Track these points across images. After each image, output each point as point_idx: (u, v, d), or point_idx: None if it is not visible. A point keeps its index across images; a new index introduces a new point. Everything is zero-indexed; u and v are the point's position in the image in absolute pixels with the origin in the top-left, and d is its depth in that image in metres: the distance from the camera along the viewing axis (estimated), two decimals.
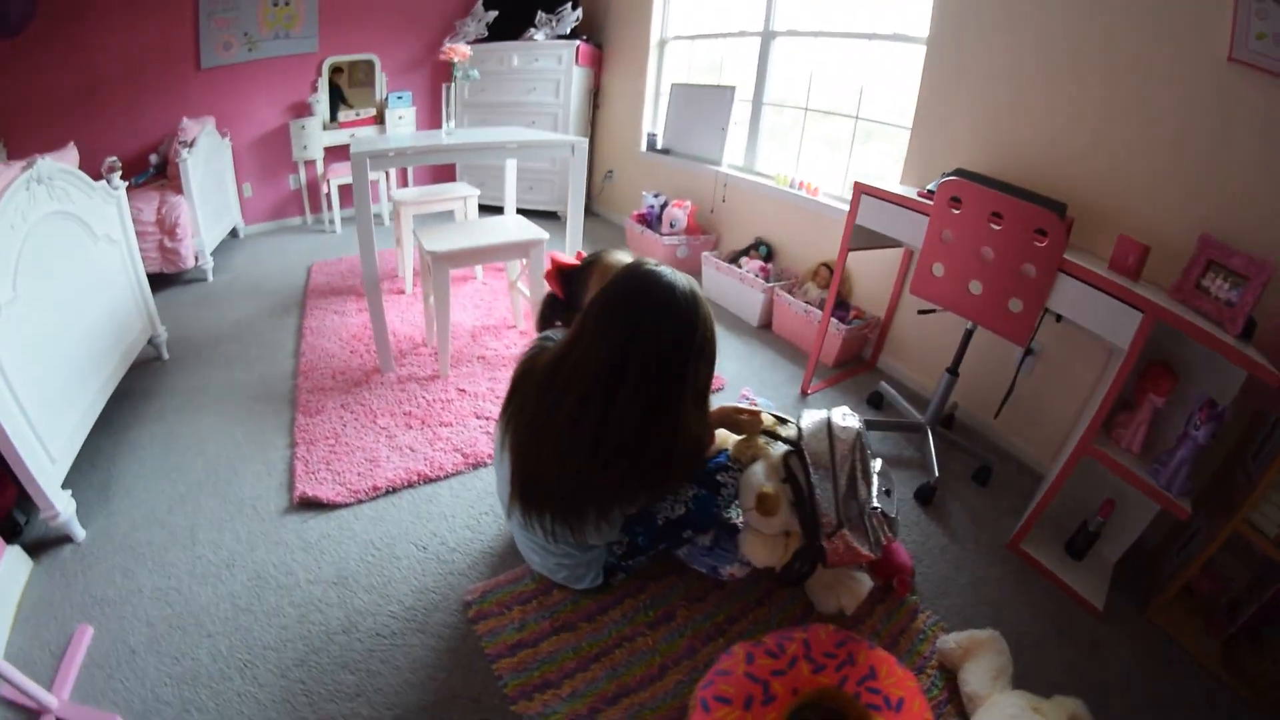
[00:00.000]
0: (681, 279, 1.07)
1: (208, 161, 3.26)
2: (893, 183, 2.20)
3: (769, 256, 3.07)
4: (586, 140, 2.42)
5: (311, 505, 1.63)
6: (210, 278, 3.29)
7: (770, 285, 2.76)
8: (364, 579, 1.41)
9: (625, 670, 1.23)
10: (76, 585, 1.38)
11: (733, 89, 3.18)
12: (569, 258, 1.50)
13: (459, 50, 2.29)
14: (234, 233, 4.00)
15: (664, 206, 3.44)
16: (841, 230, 2.05)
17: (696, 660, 1.25)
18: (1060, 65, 1.78)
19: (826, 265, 2.73)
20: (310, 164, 4.03)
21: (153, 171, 3.42)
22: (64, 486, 1.49)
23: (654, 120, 3.84)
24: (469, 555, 1.49)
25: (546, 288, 2.03)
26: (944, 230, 1.70)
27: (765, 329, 2.82)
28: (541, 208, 4.24)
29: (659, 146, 3.72)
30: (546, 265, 1.56)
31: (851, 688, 1.09)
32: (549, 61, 3.81)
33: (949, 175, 1.78)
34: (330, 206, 4.01)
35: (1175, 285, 1.42)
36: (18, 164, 1.50)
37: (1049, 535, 1.66)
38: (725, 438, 1.39)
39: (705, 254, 3.15)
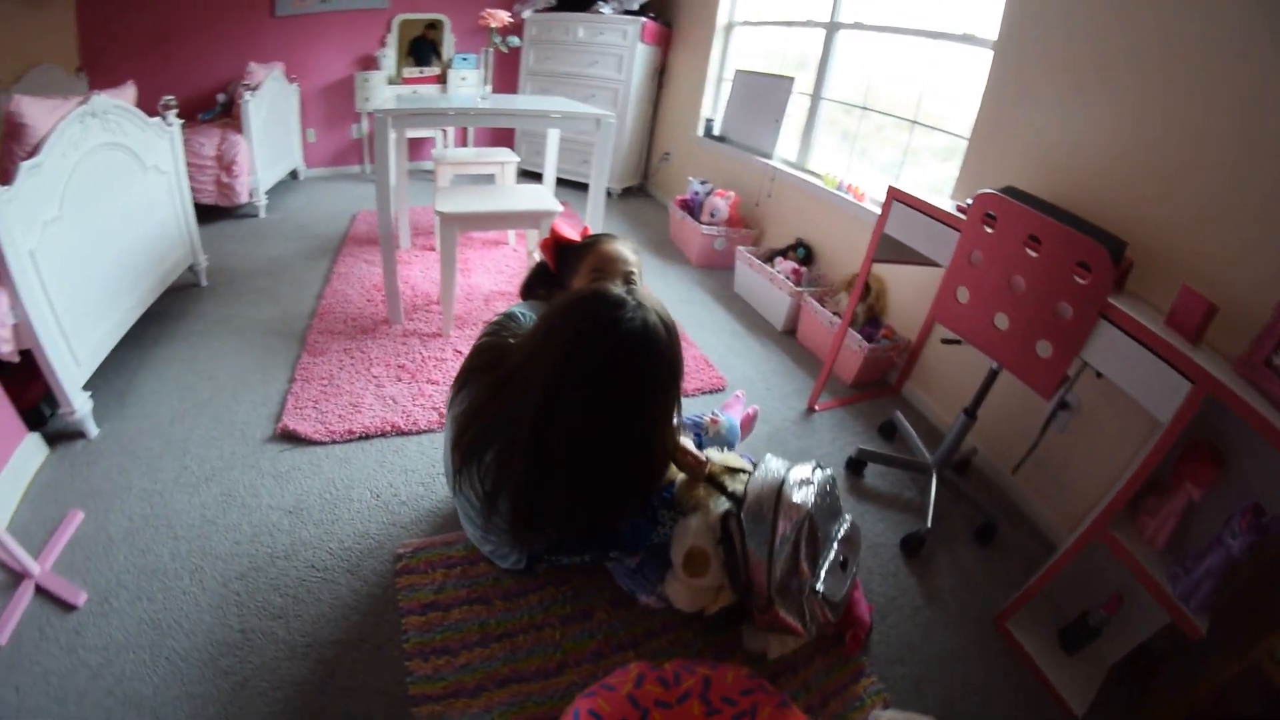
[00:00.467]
0: (640, 322, 1.01)
1: (271, 105, 3.58)
2: (944, 196, 2.08)
3: (807, 260, 3.06)
4: (613, 116, 2.45)
5: (291, 438, 1.81)
6: (262, 214, 3.62)
7: (800, 290, 2.74)
8: (316, 514, 1.57)
9: (525, 657, 1.27)
10: (79, 475, 1.63)
11: (791, 80, 3.16)
12: (573, 232, 1.52)
13: (497, 16, 2.42)
14: (294, 174, 4.36)
15: (708, 194, 3.49)
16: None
17: (599, 666, 1.26)
18: (1139, 83, 1.62)
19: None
20: (372, 115, 4.32)
21: (219, 110, 3.79)
22: (85, 388, 1.75)
23: (714, 105, 3.88)
24: (416, 511, 1.61)
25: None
26: (974, 250, 1.58)
27: (789, 335, 2.80)
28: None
29: (715, 133, 3.75)
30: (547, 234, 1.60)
31: None
32: (613, 36, 3.90)
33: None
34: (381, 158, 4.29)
35: (1242, 358, 1.21)
36: (75, 99, 1.75)
37: (1043, 618, 1.53)
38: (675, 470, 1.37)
39: (740, 248, 3.18)
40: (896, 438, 2.17)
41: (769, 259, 3.07)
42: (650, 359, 1.01)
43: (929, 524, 1.71)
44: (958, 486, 1.92)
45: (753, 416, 1.80)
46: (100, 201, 1.88)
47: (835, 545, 1.23)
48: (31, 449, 1.63)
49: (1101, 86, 1.73)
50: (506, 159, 3.20)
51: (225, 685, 1.17)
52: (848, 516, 1.33)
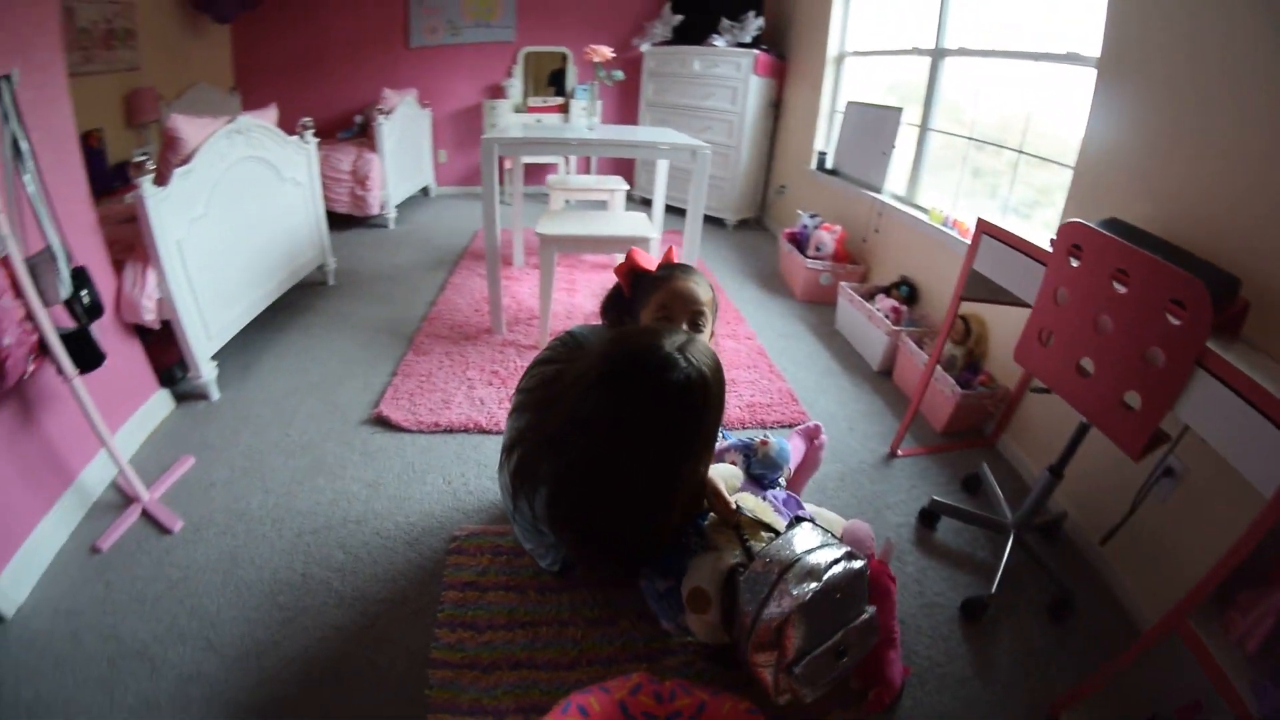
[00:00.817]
0: (684, 379, 1.03)
1: (403, 128, 4.10)
2: (1050, 231, 1.94)
3: (910, 298, 2.97)
4: (708, 148, 2.53)
5: (383, 423, 2.07)
6: (391, 225, 4.13)
7: (897, 329, 2.63)
8: (391, 490, 1.78)
9: (542, 647, 1.34)
10: (196, 429, 1.99)
11: (899, 111, 3.13)
12: (650, 261, 1.52)
13: (600, 51, 2.65)
14: (425, 191, 4.92)
15: (815, 228, 3.50)
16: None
17: (610, 670, 1.29)
18: (1260, 103, 1.44)
19: (965, 319, 2.57)
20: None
21: (356, 130, 4.40)
22: (212, 359, 2.14)
23: (828, 138, 3.90)
24: (480, 501, 1.76)
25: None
26: (1059, 287, 1.48)
27: (885, 376, 2.69)
28: (710, 213, 4.47)
29: (828, 166, 3.77)
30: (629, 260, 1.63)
31: None
32: (727, 68, 4.07)
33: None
34: (509, 181, 4.72)
35: None
36: (224, 118, 2.17)
37: (1107, 714, 1.32)
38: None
39: (842, 284, 3.14)
40: (980, 492, 2.01)
41: (871, 296, 3.01)
42: (689, 414, 1.05)
43: (994, 588, 1.57)
44: (1038, 552, 1.73)
45: (817, 444, 1.72)
46: (241, 205, 2.31)
47: (840, 634, 1.15)
48: (160, 402, 2.03)
49: (1217, 105, 1.54)
50: (616, 186, 3.41)
51: (278, 617, 1.37)
52: (869, 609, 1.22)
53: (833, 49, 3.75)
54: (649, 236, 2.49)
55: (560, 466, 1.12)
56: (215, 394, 2.15)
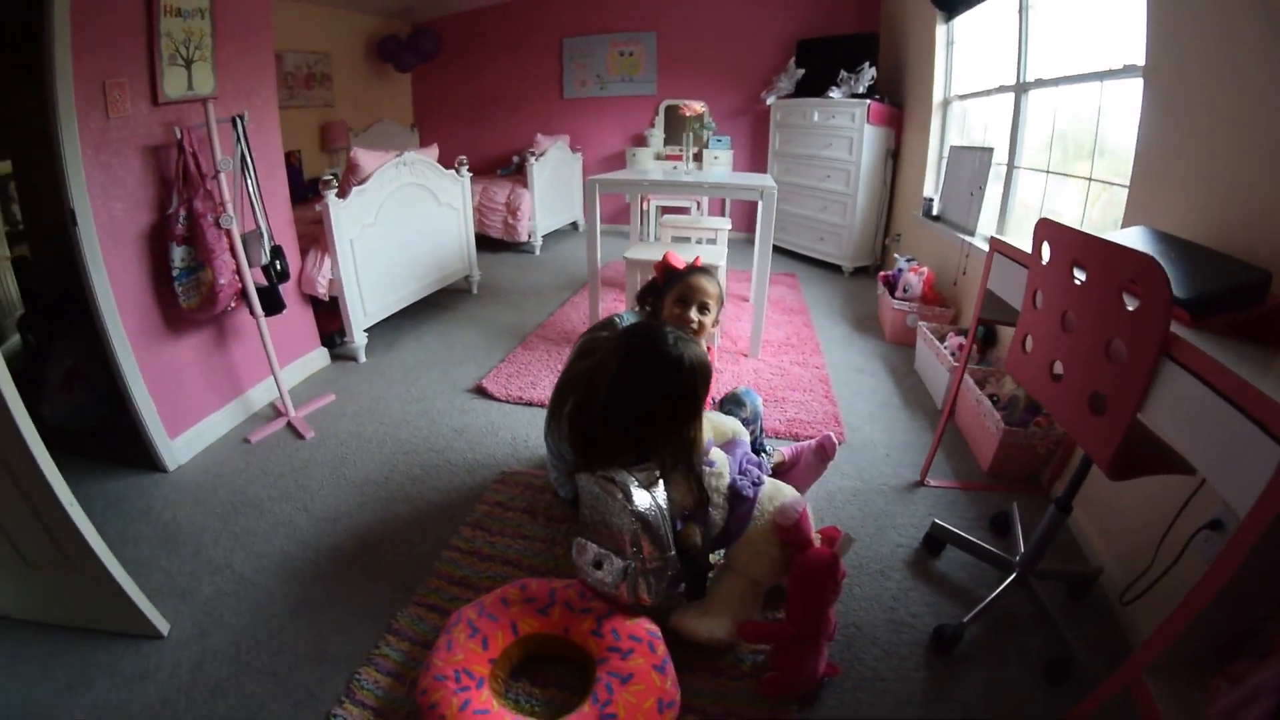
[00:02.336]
0: (673, 352, 1.34)
1: (554, 168, 4.81)
2: None
3: (988, 340, 2.91)
4: (775, 187, 2.71)
5: (481, 392, 2.55)
6: (536, 252, 4.83)
7: (954, 366, 2.52)
8: (470, 437, 2.22)
9: (532, 556, 1.61)
10: (341, 379, 2.63)
11: (990, 151, 3.11)
12: (680, 262, 1.90)
13: (692, 106, 3.04)
14: (575, 225, 5.63)
15: (907, 271, 3.54)
16: None
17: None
18: None
19: None
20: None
21: (513, 168, 5.21)
22: (365, 331, 2.80)
23: (936, 185, 3.90)
24: (533, 455, 2.11)
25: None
26: (1036, 289, 1.45)
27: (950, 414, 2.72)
28: (828, 259, 4.54)
29: (934, 213, 3.79)
30: (665, 259, 1.96)
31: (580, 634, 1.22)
32: (843, 119, 4.22)
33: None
34: (645, 221, 5.25)
35: None
36: (394, 153, 2.88)
37: None
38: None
39: (920, 324, 3.13)
40: (1009, 533, 1.83)
41: (942, 337, 3.00)
42: (675, 378, 1.35)
43: (968, 618, 1.46)
44: (1046, 601, 1.53)
45: (825, 445, 1.77)
46: (403, 220, 3.01)
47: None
48: (320, 356, 2.73)
49: (1255, 107, 1.41)
50: (719, 226, 3.72)
51: (358, 500, 1.85)
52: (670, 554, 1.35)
53: (938, 94, 3.76)
54: (718, 265, 2.74)
55: (584, 397, 1.47)
56: (362, 357, 2.82)
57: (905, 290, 3.40)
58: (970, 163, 3.34)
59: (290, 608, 1.47)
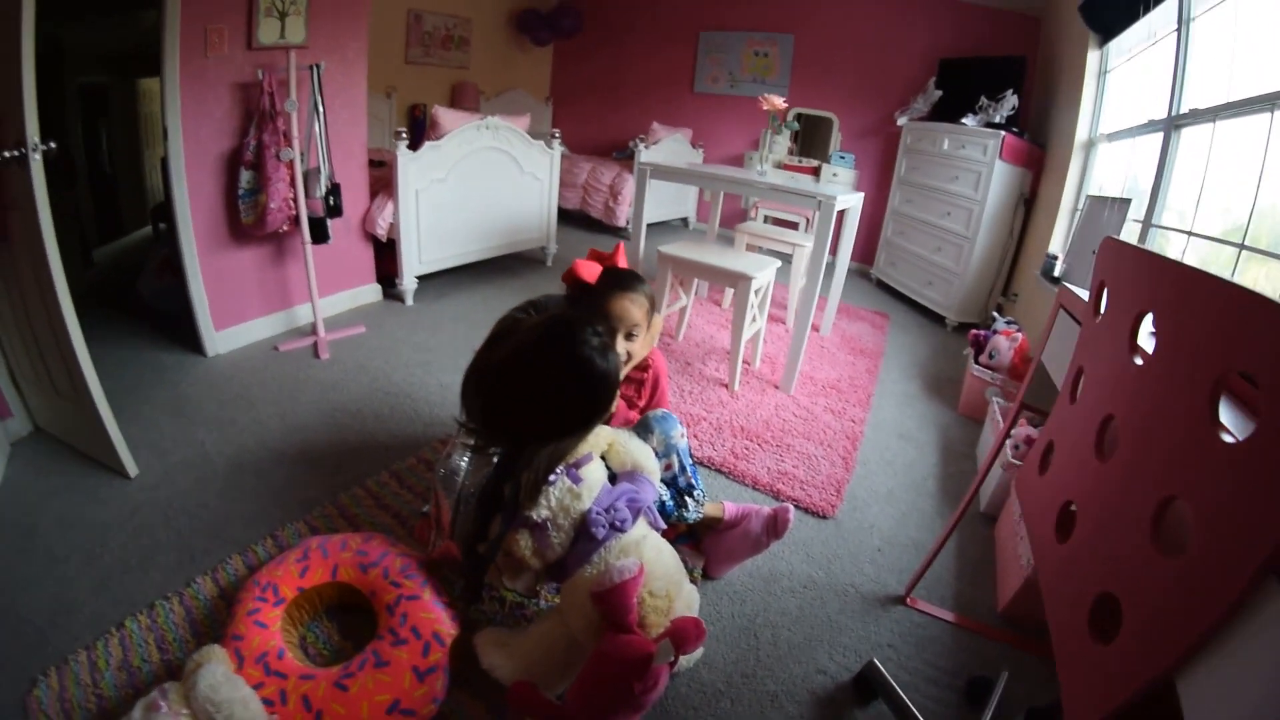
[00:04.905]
0: (586, 355, 1.18)
1: (666, 159, 4.86)
2: None
3: None
4: (835, 198, 2.47)
5: None
6: (630, 237, 4.97)
7: (1013, 464, 2.03)
8: (452, 394, 2.32)
9: (408, 525, 1.67)
10: (383, 316, 2.92)
11: (1127, 202, 2.70)
12: (591, 272, 1.59)
13: (772, 101, 2.95)
14: (685, 222, 5.70)
15: (997, 332, 3.21)
16: None
17: None
18: None
19: None
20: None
21: (628, 152, 5.33)
22: (417, 277, 3.09)
23: (1065, 240, 3.48)
24: None
25: (749, 319, 2.57)
26: (1081, 367, 1.02)
27: (989, 521, 2.07)
28: (932, 306, 4.13)
29: (1055, 273, 3.39)
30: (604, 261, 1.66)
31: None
32: (974, 150, 3.83)
33: None
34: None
35: None
36: (479, 115, 3.12)
37: None
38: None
39: (995, 400, 2.78)
40: (984, 702, 1.35)
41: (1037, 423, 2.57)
42: (581, 381, 1.19)
43: None
44: None
45: (779, 519, 1.54)
46: (478, 180, 3.24)
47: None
48: (372, 292, 3.05)
49: None
50: (799, 241, 3.62)
51: (323, 420, 2.06)
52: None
53: (1082, 131, 3.28)
54: (749, 276, 2.55)
55: (494, 381, 1.29)
56: (410, 300, 3.10)
57: (992, 355, 3.05)
58: (1103, 217, 2.94)
59: (222, 490, 1.70)
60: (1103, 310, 0.94)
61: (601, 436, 1.30)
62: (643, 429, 1.47)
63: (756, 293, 2.61)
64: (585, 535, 1.15)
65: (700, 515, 1.50)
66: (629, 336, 1.54)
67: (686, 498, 1.48)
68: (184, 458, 1.83)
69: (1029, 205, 3.94)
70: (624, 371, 1.58)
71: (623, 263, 1.64)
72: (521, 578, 1.27)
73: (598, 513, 1.16)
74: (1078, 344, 1.05)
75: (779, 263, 3.03)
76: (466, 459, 1.31)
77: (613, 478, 1.29)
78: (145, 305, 2.73)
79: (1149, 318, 0.78)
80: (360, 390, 2.28)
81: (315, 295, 2.54)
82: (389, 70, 4.83)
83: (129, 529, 1.54)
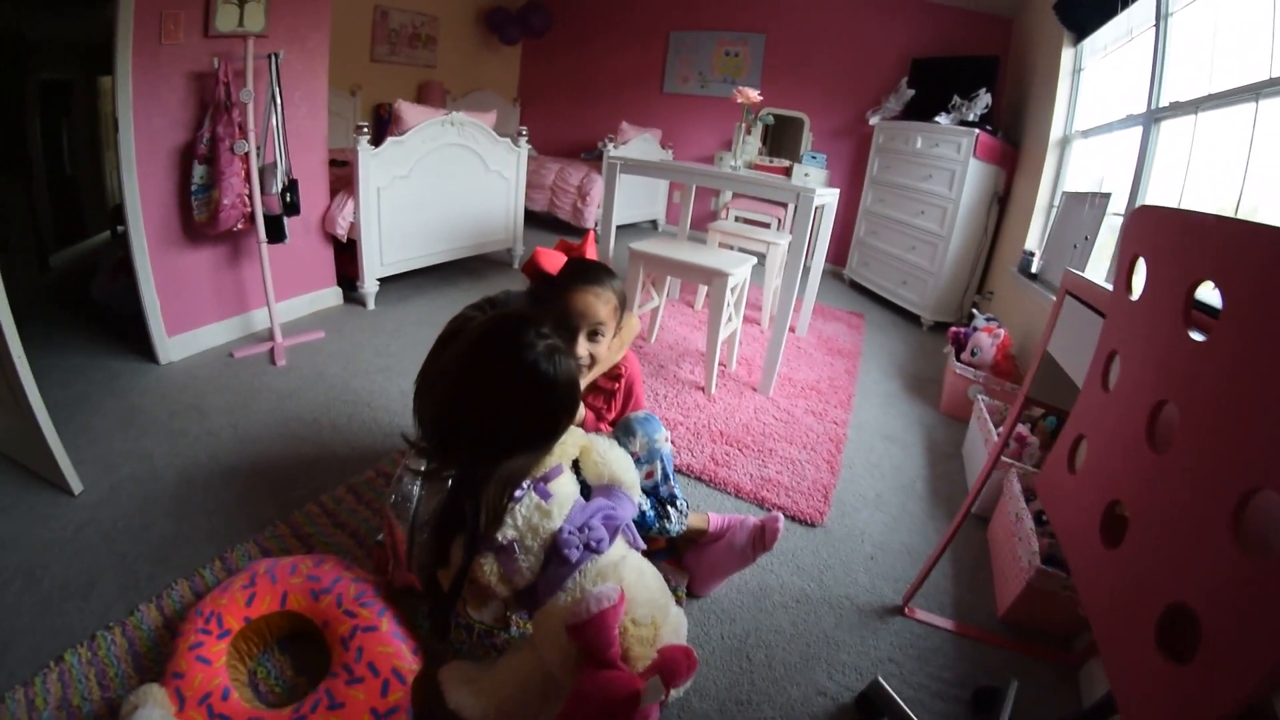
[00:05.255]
0: (535, 363, 1.03)
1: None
2: None
3: (1055, 435, 2.52)
4: (814, 191, 2.38)
5: None
6: (599, 239, 4.88)
7: (1010, 464, 1.98)
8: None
9: (367, 546, 1.52)
10: (343, 320, 2.79)
11: (1106, 197, 2.66)
12: (554, 261, 1.45)
13: (746, 94, 2.89)
14: (654, 224, 5.62)
15: (979, 330, 3.19)
16: None
17: None
18: None
19: None
20: (721, 194, 5.26)
21: (597, 153, 5.25)
22: (378, 279, 2.95)
23: (1041, 237, 3.49)
24: None
25: (725, 318, 2.45)
26: (1113, 352, 0.91)
27: (981, 523, 2.00)
28: (907, 306, 4.14)
29: (1032, 270, 3.39)
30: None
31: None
32: (947, 148, 3.84)
33: None
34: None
35: None
36: (443, 111, 3.00)
37: None
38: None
39: (980, 398, 2.74)
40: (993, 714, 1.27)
41: (1029, 424, 2.48)
42: (529, 390, 1.05)
43: None
44: None
45: (767, 530, 1.43)
46: (441, 178, 3.12)
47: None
48: (332, 295, 2.92)
49: None
50: (775, 239, 3.56)
51: (278, 430, 1.94)
52: None
53: (1057, 129, 3.29)
54: (725, 273, 2.47)
55: (440, 389, 1.14)
56: (371, 304, 2.97)
57: (974, 353, 3.01)
58: (1081, 211, 2.93)
59: (170, 508, 1.58)
60: (1138, 287, 0.86)
61: (572, 443, 1.18)
62: (623, 431, 1.34)
63: (732, 291, 2.55)
64: (557, 558, 1.03)
65: (684, 528, 1.40)
66: (593, 337, 1.36)
67: (669, 508, 1.38)
68: (132, 472, 1.70)
69: (1003, 203, 3.96)
70: (589, 378, 1.42)
71: (592, 254, 1.52)
72: (488, 607, 1.15)
73: (570, 532, 1.04)
74: (1106, 327, 0.97)
75: (754, 260, 2.97)
76: (419, 485, 1.19)
77: (585, 491, 1.19)
78: (99, 308, 2.57)
79: (1207, 287, 0.70)
80: (317, 399, 2.16)
81: (271, 299, 2.40)
82: (354, 68, 4.67)
83: (70, 550, 1.42)
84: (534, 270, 1.45)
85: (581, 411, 1.30)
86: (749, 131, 3.09)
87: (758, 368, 2.81)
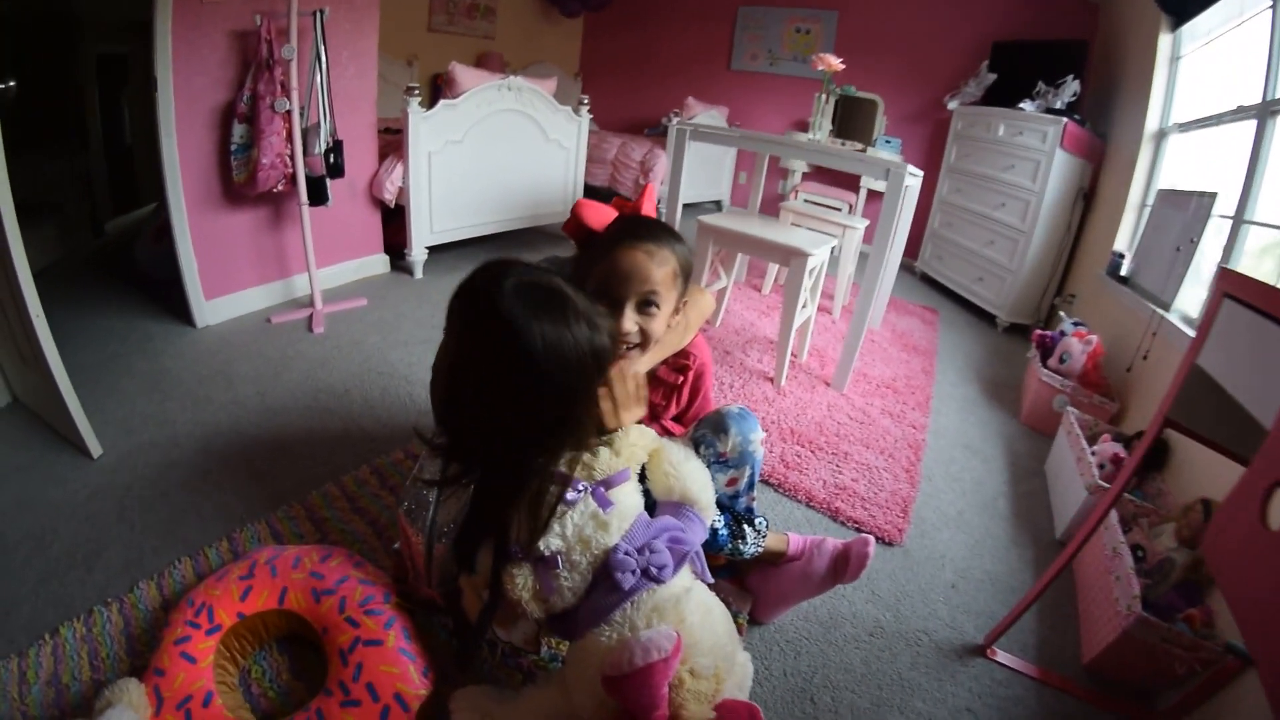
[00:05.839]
0: (517, 330, 0.78)
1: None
2: None
3: (1156, 460, 2.12)
4: (905, 170, 2.10)
5: None
6: (660, 216, 4.66)
7: (1099, 485, 1.71)
8: None
9: (385, 536, 1.35)
10: (389, 289, 2.67)
11: (1212, 197, 2.33)
12: (600, 216, 1.16)
13: (829, 61, 2.61)
14: (718, 204, 5.38)
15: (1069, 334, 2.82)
16: None
17: None
18: None
19: (1208, 503, 1.56)
20: (790, 174, 4.96)
21: (660, 129, 5.01)
22: (427, 248, 2.82)
23: (1132, 237, 3.12)
24: None
25: (800, 302, 2.19)
26: None
27: (1063, 550, 1.67)
28: (982, 304, 3.77)
29: (1122, 272, 3.04)
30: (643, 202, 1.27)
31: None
32: (1032, 137, 3.49)
33: None
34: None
35: None
36: (500, 75, 2.81)
37: None
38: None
39: (1069, 410, 2.39)
40: None
41: (1124, 442, 2.02)
42: (507, 361, 0.79)
43: None
44: None
45: (853, 557, 1.20)
46: (496, 145, 2.94)
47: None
48: (379, 262, 2.80)
49: None
50: (851, 223, 3.23)
51: (306, 401, 1.83)
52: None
53: (1152, 122, 2.95)
54: (805, 253, 2.19)
55: (442, 366, 0.97)
56: (419, 273, 2.83)
57: (1063, 359, 2.66)
58: (1182, 212, 2.57)
59: (186, 478, 1.47)
60: None
61: (642, 445, 0.95)
62: (712, 427, 1.07)
63: (810, 274, 2.28)
64: (607, 582, 0.82)
65: (760, 549, 1.17)
66: (644, 308, 1.05)
67: (745, 526, 1.14)
68: (152, 438, 1.61)
69: (1087, 200, 3.58)
70: (642, 363, 1.10)
71: (650, 210, 1.24)
72: (517, 626, 0.95)
73: (627, 552, 0.83)
74: None
75: (834, 239, 2.70)
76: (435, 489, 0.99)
77: (648, 504, 0.96)
78: (142, 272, 2.51)
79: None
80: (351, 369, 2.03)
81: (312, 263, 2.28)
82: (411, 38, 4.54)
83: (82, 516, 1.35)
84: (577, 226, 1.16)
85: (631, 403, 1.08)
86: (829, 102, 2.81)
87: (830, 359, 2.57)
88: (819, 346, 2.74)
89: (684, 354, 1.23)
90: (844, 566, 1.18)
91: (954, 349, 3.17)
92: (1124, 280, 2.89)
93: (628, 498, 0.89)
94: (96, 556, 1.25)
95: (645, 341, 1.08)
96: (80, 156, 2.98)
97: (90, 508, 1.37)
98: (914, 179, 2.67)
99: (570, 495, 0.85)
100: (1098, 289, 3.16)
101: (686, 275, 1.12)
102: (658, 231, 1.09)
